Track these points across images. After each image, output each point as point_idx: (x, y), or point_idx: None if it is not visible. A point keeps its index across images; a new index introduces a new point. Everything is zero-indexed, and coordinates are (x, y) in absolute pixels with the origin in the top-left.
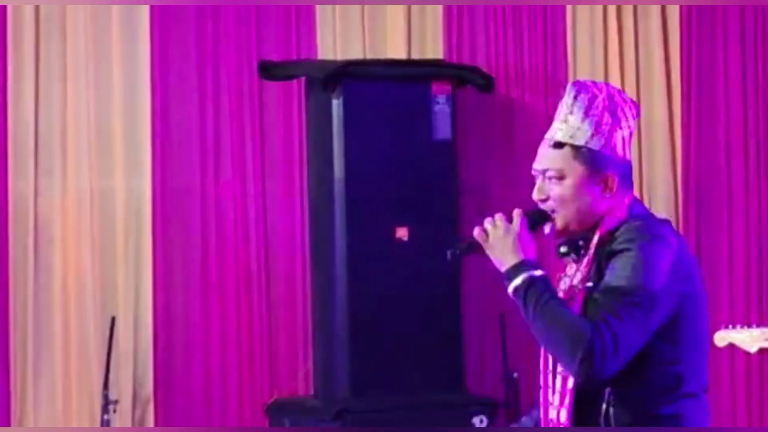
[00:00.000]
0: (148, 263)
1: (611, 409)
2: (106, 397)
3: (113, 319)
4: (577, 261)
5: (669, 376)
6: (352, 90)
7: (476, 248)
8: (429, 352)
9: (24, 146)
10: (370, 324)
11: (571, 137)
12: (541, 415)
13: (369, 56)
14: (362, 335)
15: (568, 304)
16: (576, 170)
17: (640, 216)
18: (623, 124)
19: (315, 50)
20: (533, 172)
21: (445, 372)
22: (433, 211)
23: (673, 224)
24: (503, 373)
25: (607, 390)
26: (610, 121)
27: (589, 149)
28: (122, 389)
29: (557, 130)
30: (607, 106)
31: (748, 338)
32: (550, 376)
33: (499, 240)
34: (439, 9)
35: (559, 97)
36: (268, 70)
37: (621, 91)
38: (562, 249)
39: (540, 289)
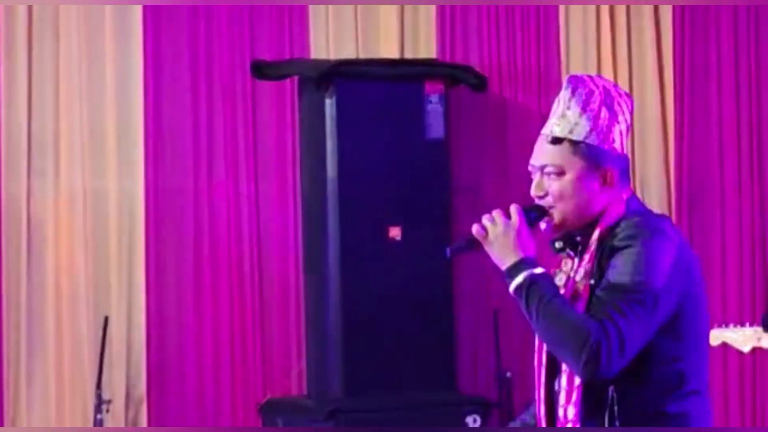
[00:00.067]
0: (141, 263)
1: (615, 407)
2: (99, 396)
3: (106, 319)
4: (574, 257)
5: (672, 373)
6: (345, 89)
7: (475, 245)
8: (422, 352)
9: (17, 147)
10: (363, 323)
11: (569, 132)
12: (540, 414)
13: (362, 56)
14: (355, 335)
15: (573, 303)
16: (575, 165)
17: (639, 212)
18: (620, 118)
19: (308, 50)
20: (530, 168)
21: (438, 371)
22: (426, 211)
23: None
24: (496, 372)
25: (611, 388)
26: (607, 116)
27: (588, 144)
28: (115, 389)
29: (555, 126)
30: (604, 101)
31: (741, 337)
32: (544, 373)
33: (499, 237)
34: (432, 8)
35: (552, 97)
36: (261, 70)
37: (616, 85)
38: (557, 244)
39: (542, 288)
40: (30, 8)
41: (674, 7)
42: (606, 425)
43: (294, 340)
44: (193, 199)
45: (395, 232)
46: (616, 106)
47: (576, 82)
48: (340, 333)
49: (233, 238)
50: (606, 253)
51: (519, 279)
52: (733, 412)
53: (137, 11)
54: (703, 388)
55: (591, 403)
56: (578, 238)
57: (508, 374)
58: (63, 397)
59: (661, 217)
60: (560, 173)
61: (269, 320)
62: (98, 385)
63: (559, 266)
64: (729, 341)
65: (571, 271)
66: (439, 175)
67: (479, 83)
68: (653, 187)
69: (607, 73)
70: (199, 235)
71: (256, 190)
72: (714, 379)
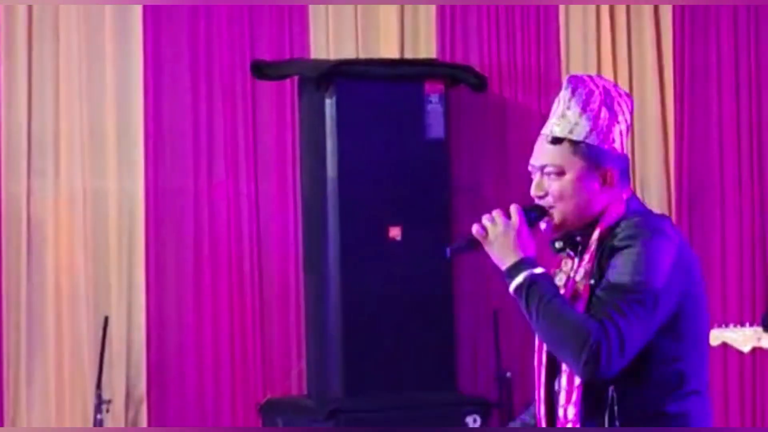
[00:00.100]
0: (141, 263)
1: (615, 407)
2: (99, 396)
3: (106, 319)
4: (574, 257)
5: (672, 373)
6: (345, 89)
7: (475, 245)
8: (422, 352)
9: (17, 147)
10: (363, 323)
11: (569, 132)
12: (540, 414)
13: (362, 56)
14: (355, 335)
15: (573, 303)
16: (575, 165)
17: (639, 211)
18: (620, 118)
19: (308, 50)
20: (530, 168)
21: (438, 371)
22: (426, 211)
23: None
24: (496, 372)
25: (611, 388)
26: (607, 116)
27: (588, 144)
28: (115, 389)
29: (555, 126)
30: (604, 101)
31: (741, 337)
32: (543, 373)
33: (499, 237)
34: (432, 8)
35: (552, 97)
36: (261, 70)
37: (616, 85)
38: (557, 244)
39: (542, 288)
40: (30, 8)
41: (674, 7)
42: (606, 425)
43: (294, 340)
44: (193, 199)
45: (395, 232)
46: (616, 106)
47: (576, 82)
48: (340, 333)
49: (233, 238)
50: (606, 253)
51: (519, 279)
52: (733, 412)
53: (137, 11)
54: (703, 388)
55: (591, 403)
56: (578, 238)
57: (508, 374)
58: (63, 397)
59: (661, 216)
60: (560, 173)
61: (269, 320)
62: (98, 385)
63: (559, 266)
64: (729, 341)
65: (571, 271)
66: (439, 175)
67: (479, 83)
68: (653, 187)
69: (607, 73)
70: (199, 235)
71: (256, 190)
72: (714, 379)
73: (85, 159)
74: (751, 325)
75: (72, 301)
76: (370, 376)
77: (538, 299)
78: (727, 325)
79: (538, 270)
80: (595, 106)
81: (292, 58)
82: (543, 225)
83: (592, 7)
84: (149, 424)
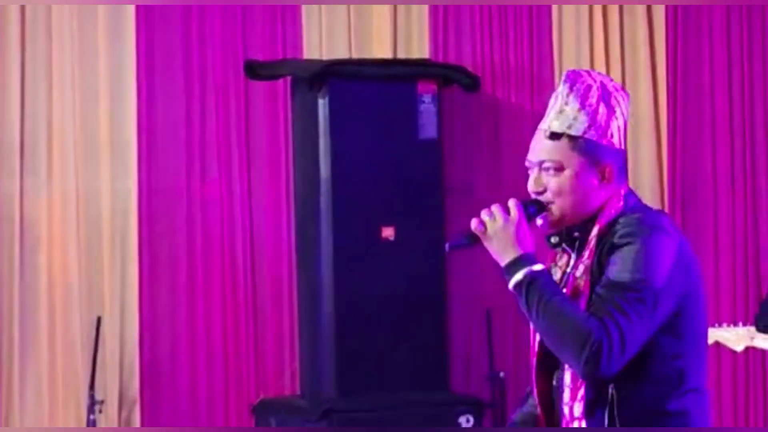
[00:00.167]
0: (134, 263)
1: (615, 406)
2: (92, 397)
3: (99, 320)
4: (570, 252)
5: (672, 370)
6: (338, 89)
7: (475, 240)
8: (415, 352)
9: (10, 147)
10: (356, 323)
11: (568, 128)
12: (539, 411)
13: (355, 56)
14: (349, 335)
15: (574, 300)
16: (574, 161)
17: (638, 207)
18: (617, 113)
19: (301, 50)
20: (527, 164)
21: (431, 371)
22: (419, 211)
23: None
24: (489, 372)
25: (611, 386)
26: (605, 111)
27: (587, 140)
28: (108, 389)
29: (553, 121)
30: (602, 96)
31: (734, 337)
32: (538, 370)
33: (498, 232)
34: (425, 8)
35: (545, 96)
36: (253, 70)
37: (612, 80)
38: (553, 239)
39: (542, 285)
40: (23, 8)
41: (667, 7)
42: (606, 423)
43: (287, 339)
44: (186, 199)
45: (388, 232)
46: (613, 101)
47: (574, 76)
48: (333, 333)
49: (226, 239)
50: (605, 249)
51: (518, 276)
52: (726, 411)
53: (130, 11)
54: (702, 386)
55: (591, 401)
56: (576, 234)
57: (501, 374)
58: (56, 397)
59: (660, 213)
60: (559, 169)
61: (262, 320)
62: (91, 386)
63: (553, 260)
64: (722, 340)
65: (567, 267)
66: (432, 175)
67: (472, 83)
68: (646, 185)
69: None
70: (193, 235)
71: (249, 191)
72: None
73: (77, 158)
74: (744, 324)
75: (65, 301)
76: (363, 376)
77: (538, 297)
78: (720, 325)
79: (538, 267)
80: (593, 101)
81: (285, 58)
82: (539, 221)
83: (584, 7)
84: (142, 424)
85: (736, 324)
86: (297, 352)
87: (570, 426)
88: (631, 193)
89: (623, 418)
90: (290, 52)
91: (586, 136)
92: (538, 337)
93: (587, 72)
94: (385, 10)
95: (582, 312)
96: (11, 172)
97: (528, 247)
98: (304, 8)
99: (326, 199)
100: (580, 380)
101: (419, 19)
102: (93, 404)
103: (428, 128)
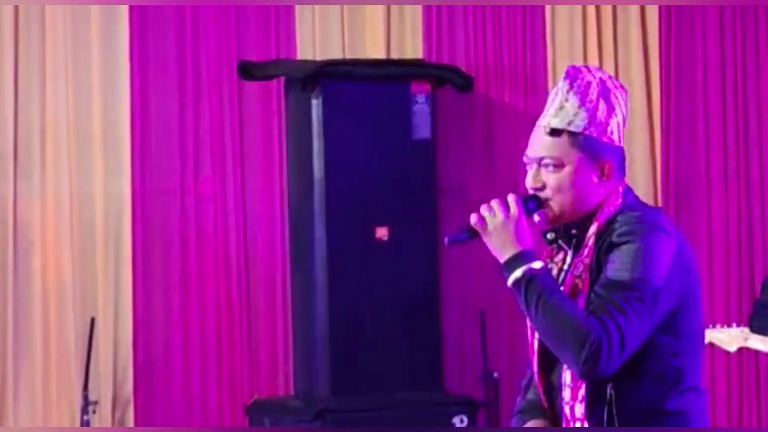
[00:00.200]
0: (127, 264)
1: (614, 404)
2: (85, 397)
3: (93, 320)
4: (567, 249)
5: (670, 369)
6: (331, 90)
7: (474, 235)
8: (409, 352)
9: (3, 148)
10: (350, 324)
11: (568, 124)
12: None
13: (348, 56)
14: (342, 335)
15: (573, 298)
16: (574, 158)
17: (636, 205)
18: (617, 110)
19: (294, 50)
20: (525, 160)
21: (425, 371)
22: (413, 211)
23: None
24: (483, 372)
25: (609, 385)
26: (605, 108)
27: (587, 136)
28: (102, 390)
29: (553, 117)
30: (602, 92)
31: (728, 338)
32: (538, 367)
33: (497, 228)
34: (419, 9)
35: (539, 96)
36: (247, 70)
37: (611, 76)
38: (549, 235)
39: (541, 283)
40: (16, 8)
41: (660, 7)
42: (605, 422)
43: (281, 340)
44: (180, 200)
45: (382, 233)
46: (613, 98)
47: (575, 73)
48: (327, 333)
49: (220, 239)
50: (604, 247)
51: (517, 273)
52: (720, 412)
53: (123, 11)
54: (699, 385)
55: (589, 400)
56: (574, 231)
57: (495, 374)
58: (50, 398)
59: (658, 211)
60: (558, 165)
61: (256, 320)
62: (85, 386)
63: (549, 256)
64: (715, 341)
65: (564, 264)
66: (426, 176)
67: (466, 83)
68: (640, 183)
69: None
70: (186, 236)
71: (242, 191)
72: None
73: (71, 160)
74: (738, 325)
75: (59, 303)
76: (357, 376)
77: (537, 295)
78: (713, 326)
79: (537, 264)
80: (593, 97)
81: (278, 59)
82: (536, 218)
83: (578, 7)
84: (136, 424)
85: (729, 325)
86: (291, 352)
87: (570, 426)
88: (629, 190)
89: (621, 417)
90: (284, 53)
91: (587, 132)
92: (537, 335)
93: (587, 68)
94: (379, 10)
95: (581, 311)
96: (5, 174)
97: (527, 243)
98: (297, 8)
99: (320, 199)
100: (580, 381)
101: (413, 19)
102: (87, 405)
103: (422, 128)
